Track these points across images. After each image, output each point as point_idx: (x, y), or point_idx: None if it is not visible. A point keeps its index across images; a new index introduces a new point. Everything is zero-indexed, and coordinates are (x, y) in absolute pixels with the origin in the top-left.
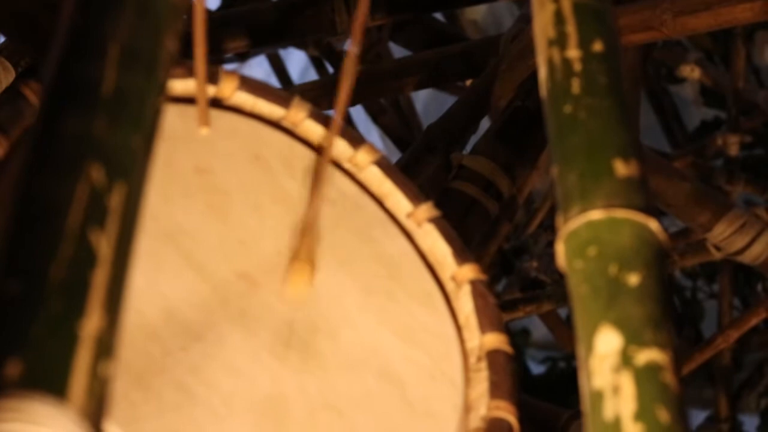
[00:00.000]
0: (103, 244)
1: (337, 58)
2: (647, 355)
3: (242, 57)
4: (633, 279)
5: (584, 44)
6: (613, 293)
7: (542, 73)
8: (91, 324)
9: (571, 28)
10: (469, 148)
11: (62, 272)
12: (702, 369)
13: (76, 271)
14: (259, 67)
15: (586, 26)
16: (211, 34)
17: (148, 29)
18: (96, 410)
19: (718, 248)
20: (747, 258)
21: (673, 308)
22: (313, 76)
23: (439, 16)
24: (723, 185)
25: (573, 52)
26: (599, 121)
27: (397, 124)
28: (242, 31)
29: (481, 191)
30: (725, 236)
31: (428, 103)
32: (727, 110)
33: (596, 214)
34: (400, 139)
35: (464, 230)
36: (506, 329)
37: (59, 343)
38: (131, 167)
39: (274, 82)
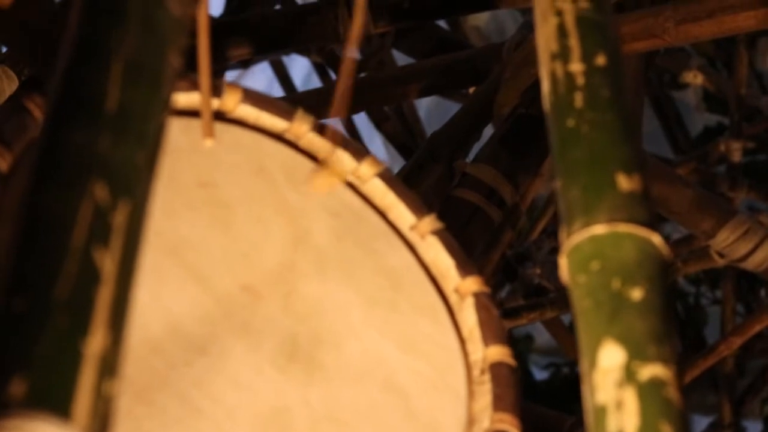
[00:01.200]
0: (107, 263)
1: (341, 65)
2: (651, 371)
3: (245, 64)
4: (636, 293)
5: (587, 58)
6: (616, 308)
7: (545, 86)
8: (96, 342)
9: (574, 42)
10: (472, 155)
11: (66, 290)
12: (705, 375)
13: (81, 290)
14: (262, 74)
15: (589, 40)
16: (214, 41)
17: (152, 45)
18: (100, 429)
19: (721, 255)
20: (750, 264)
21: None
22: (316, 82)
23: (442, 23)
24: (726, 191)
25: (576, 66)
26: (602, 135)
27: (401, 132)
28: (246, 39)
29: (484, 199)
30: (728, 243)
31: (431, 111)
32: (729, 116)
33: (599, 229)
34: (404, 146)
35: (467, 238)
36: (509, 336)
37: (63, 362)
38: (135, 185)
39: (277, 88)
